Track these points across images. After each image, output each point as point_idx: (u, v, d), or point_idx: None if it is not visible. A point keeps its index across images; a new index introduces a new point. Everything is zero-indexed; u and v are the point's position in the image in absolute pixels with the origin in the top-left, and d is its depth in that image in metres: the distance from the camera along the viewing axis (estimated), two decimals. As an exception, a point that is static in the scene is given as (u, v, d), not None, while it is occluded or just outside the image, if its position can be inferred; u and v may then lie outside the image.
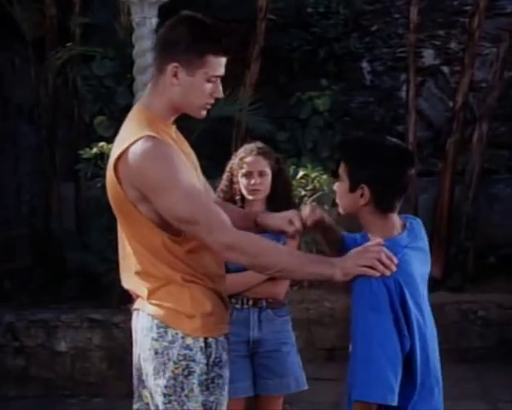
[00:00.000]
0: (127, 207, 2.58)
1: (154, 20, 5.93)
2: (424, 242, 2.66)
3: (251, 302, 3.72)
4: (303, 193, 6.07)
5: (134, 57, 6.02)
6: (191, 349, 2.57)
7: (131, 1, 5.91)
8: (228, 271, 2.93)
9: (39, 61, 7.34)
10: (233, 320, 3.15)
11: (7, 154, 7.57)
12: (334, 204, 2.75)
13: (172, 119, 2.71)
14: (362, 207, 2.55)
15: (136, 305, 2.69)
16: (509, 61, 7.17)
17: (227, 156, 3.95)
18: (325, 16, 7.85)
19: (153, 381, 2.59)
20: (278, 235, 3.07)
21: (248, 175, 3.75)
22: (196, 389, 2.58)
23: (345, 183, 2.58)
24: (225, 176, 3.85)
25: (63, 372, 5.95)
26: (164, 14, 6.05)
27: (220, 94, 2.66)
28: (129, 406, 2.77)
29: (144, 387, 2.66)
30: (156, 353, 2.56)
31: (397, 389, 2.40)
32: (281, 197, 3.82)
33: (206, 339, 2.61)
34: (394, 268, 2.42)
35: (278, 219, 2.82)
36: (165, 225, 2.56)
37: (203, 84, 2.60)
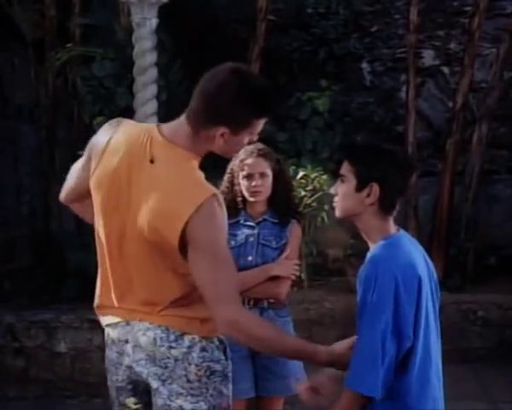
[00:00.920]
0: (170, 250, 2.58)
1: (154, 21, 5.93)
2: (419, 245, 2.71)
3: (252, 303, 3.73)
4: (303, 193, 6.08)
5: (134, 58, 6.02)
6: (208, 351, 2.66)
7: (131, 1, 5.91)
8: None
9: (39, 61, 7.33)
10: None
11: (7, 154, 7.56)
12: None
13: None
14: (367, 207, 2.57)
15: (133, 317, 2.72)
16: (509, 61, 7.15)
17: (227, 157, 3.94)
18: (325, 17, 7.85)
19: (175, 387, 2.65)
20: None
21: (249, 177, 3.76)
22: (220, 386, 2.68)
23: (350, 183, 2.59)
24: (226, 177, 3.86)
25: (63, 373, 5.94)
26: (164, 14, 6.07)
27: (254, 139, 2.75)
28: (129, 406, 2.79)
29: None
30: (176, 360, 2.63)
31: (386, 385, 2.43)
32: (281, 198, 3.82)
33: (218, 337, 2.70)
34: None
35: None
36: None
37: (246, 139, 2.69)
